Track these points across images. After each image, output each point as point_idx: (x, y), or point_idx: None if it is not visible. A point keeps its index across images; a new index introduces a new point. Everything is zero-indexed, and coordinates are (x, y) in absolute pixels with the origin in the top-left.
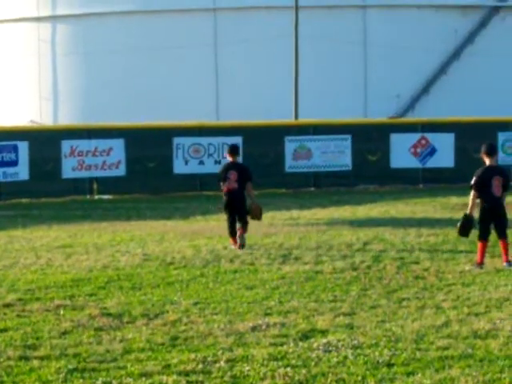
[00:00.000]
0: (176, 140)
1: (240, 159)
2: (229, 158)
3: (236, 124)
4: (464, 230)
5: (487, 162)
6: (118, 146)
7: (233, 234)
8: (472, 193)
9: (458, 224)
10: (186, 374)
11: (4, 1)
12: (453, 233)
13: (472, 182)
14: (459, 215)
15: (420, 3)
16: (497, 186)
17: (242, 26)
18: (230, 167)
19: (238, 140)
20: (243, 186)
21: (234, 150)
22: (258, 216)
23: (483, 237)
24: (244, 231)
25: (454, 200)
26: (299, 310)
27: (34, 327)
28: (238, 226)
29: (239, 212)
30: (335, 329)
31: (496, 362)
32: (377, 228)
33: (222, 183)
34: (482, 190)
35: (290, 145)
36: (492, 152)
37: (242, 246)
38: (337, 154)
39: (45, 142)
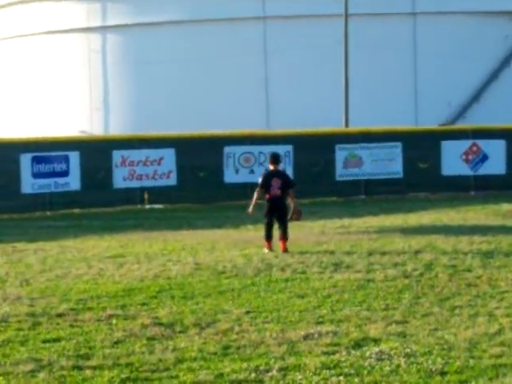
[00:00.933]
0: (227, 149)
1: (281, 167)
2: (270, 167)
3: (286, 133)
4: None
5: None
6: (169, 155)
7: (269, 238)
8: None
9: None
10: (239, 383)
11: (54, 12)
12: (505, 240)
13: None
14: (511, 222)
15: (470, 10)
16: None
17: (291, 34)
18: (272, 175)
19: (288, 148)
20: (285, 193)
21: (275, 158)
22: (298, 218)
23: None
24: (286, 242)
25: (506, 207)
26: (351, 319)
27: (86, 337)
28: (279, 236)
29: (281, 218)
30: (388, 337)
31: None
32: (428, 235)
33: (260, 190)
34: None
35: (341, 153)
36: None
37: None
38: (387, 162)
39: (96, 152)
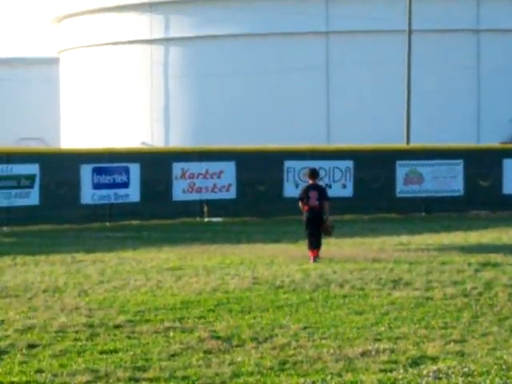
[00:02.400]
0: (287, 163)
1: (318, 181)
2: (309, 181)
3: (347, 148)
4: None
5: None
6: (229, 168)
7: (312, 247)
8: None
9: None
10: None
11: (118, 23)
12: None
13: None
14: None
15: None
16: None
17: (354, 49)
18: (310, 188)
19: (348, 164)
20: (322, 204)
21: (313, 173)
22: (329, 232)
23: None
24: (319, 250)
25: None
26: (409, 336)
27: (143, 349)
28: (312, 247)
29: (317, 226)
30: (445, 356)
31: None
32: (488, 254)
33: (302, 202)
34: None
35: (402, 169)
36: None
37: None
38: (448, 179)
39: (156, 164)
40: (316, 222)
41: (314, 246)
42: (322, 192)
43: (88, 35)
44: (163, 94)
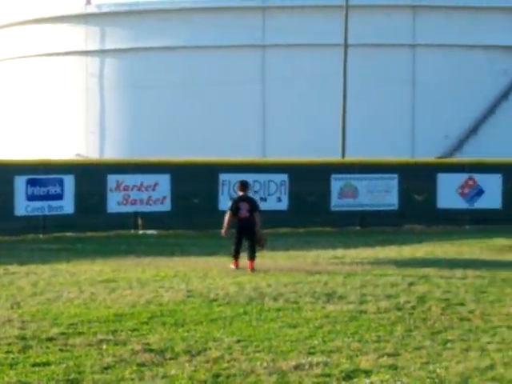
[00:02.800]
0: (222, 176)
1: (249, 193)
2: (239, 192)
3: (282, 161)
4: None
5: None
6: (163, 181)
7: (236, 256)
8: None
9: None
10: None
11: (53, 34)
12: (499, 274)
13: None
14: (506, 257)
15: (469, 43)
16: None
17: (290, 62)
18: (241, 199)
19: (283, 177)
20: (253, 215)
21: (244, 185)
22: (262, 244)
23: None
24: (253, 262)
25: (501, 241)
26: (343, 350)
27: (76, 361)
28: (247, 255)
29: (250, 237)
30: (379, 369)
31: None
32: (422, 268)
33: (230, 212)
34: None
35: (336, 183)
36: None
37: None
38: (383, 193)
39: (90, 176)
40: (247, 233)
41: (248, 256)
42: (252, 204)
43: (23, 46)
44: (98, 105)
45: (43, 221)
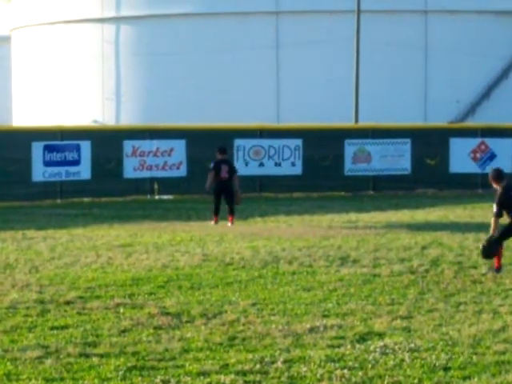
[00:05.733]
0: (237, 142)
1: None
2: (219, 156)
3: (296, 127)
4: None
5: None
6: (179, 146)
7: (216, 213)
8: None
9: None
10: (244, 373)
11: (68, 2)
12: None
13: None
14: None
15: (480, 9)
16: None
17: (303, 29)
18: (221, 162)
19: (298, 142)
20: (232, 177)
21: (223, 149)
22: (238, 202)
23: None
24: (233, 218)
25: None
26: (356, 313)
27: (93, 325)
28: (228, 211)
29: (228, 196)
30: (392, 332)
31: None
32: (435, 232)
33: (211, 173)
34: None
35: (350, 148)
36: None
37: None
38: (396, 158)
39: (107, 142)
40: (226, 193)
41: (228, 212)
42: (231, 166)
43: (39, 13)
44: (114, 72)
45: (60, 186)
